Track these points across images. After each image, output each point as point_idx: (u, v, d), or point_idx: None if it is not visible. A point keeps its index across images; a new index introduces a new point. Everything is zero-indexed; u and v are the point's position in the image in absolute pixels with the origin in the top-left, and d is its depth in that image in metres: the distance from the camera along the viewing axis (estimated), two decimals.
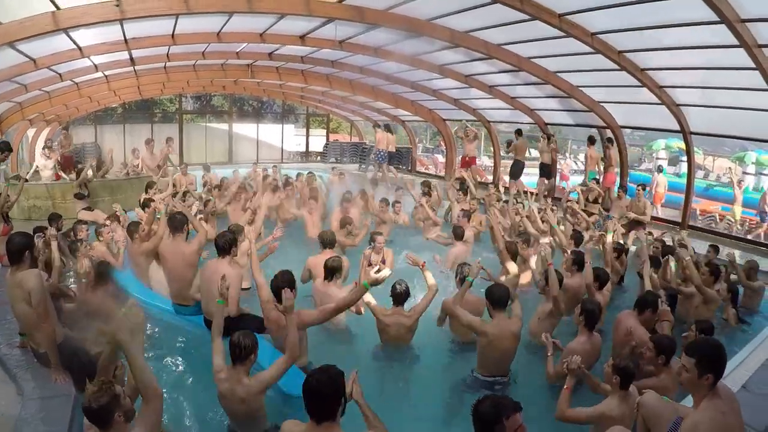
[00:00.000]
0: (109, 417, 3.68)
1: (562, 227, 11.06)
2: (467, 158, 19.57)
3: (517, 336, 6.23)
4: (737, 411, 3.95)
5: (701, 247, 11.06)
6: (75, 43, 11.78)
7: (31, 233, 6.55)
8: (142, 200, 12.10)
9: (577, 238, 10.07)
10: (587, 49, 11.41)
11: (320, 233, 8.70)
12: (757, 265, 9.79)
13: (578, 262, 8.16)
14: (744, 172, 23.61)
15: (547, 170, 18.23)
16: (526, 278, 9.21)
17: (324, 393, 3.79)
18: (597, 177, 16.43)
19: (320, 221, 12.59)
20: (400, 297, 7.07)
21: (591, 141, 17.29)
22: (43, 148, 17.23)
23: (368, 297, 7.04)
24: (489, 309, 6.31)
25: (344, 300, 6.05)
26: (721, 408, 3.79)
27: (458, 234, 10.25)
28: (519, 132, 19.01)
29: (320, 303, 7.31)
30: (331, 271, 7.50)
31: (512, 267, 8.45)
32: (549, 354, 5.96)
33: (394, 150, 23.50)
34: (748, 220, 19.26)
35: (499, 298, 6.21)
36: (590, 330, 6.16)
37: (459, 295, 6.73)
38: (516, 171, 19.03)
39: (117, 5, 9.41)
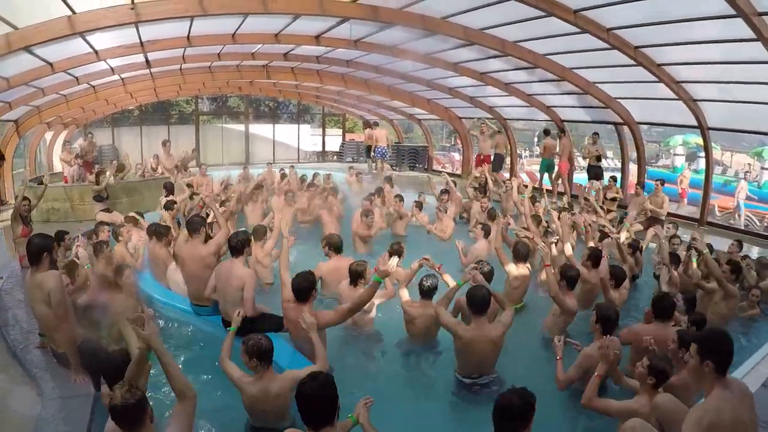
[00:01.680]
0: (141, 416, 3.72)
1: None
2: (482, 156, 19.49)
3: (495, 341, 6.07)
4: (750, 406, 3.91)
5: (720, 244, 10.95)
6: (91, 46, 11.87)
7: (51, 235, 6.58)
8: (164, 202, 12.15)
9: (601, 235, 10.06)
10: (603, 44, 11.36)
11: (328, 237, 8.63)
12: None
13: (594, 258, 8.12)
14: (762, 168, 23.41)
15: (597, 171, 17.02)
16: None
17: (319, 400, 3.80)
18: (614, 175, 16.31)
19: (338, 220, 12.65)
20: (428, 292, 7.13)
21: (546, 133, 18.96)
22: (62, 152, 17.39)
23: (405, 294, 7.25)
24: (468, 313, 6.24)
25: (359, 298, 6.07)
26: (729, 400, 3.76)
27: (486, 231, 10.24)
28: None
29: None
30: (355, 276, 7.51)
31: (512, 269, 8.41)
32: (558, 357, 5.69)
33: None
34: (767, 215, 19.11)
35: (478, 302, 6.06)
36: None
37: (445, 296, 6.75)
38: (497, 163, 20.19)
39: (132, 8, 9.48)
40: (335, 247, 8.45)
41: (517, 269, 8.42)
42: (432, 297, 7.12)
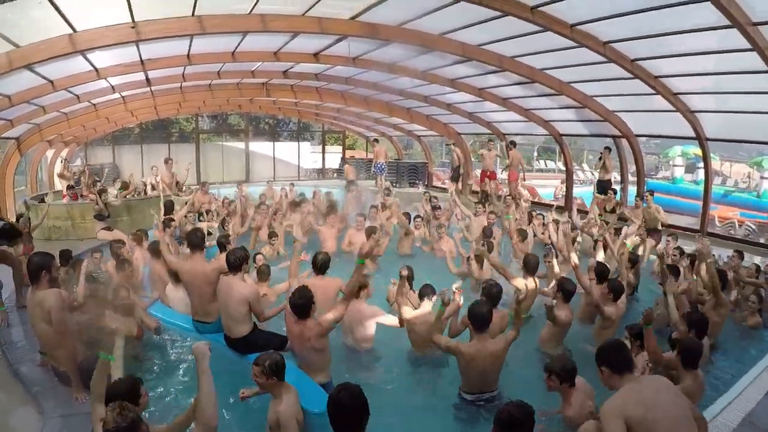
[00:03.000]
0: None
1: (579, 239, 11.15)
2: (488, 173, 19.47)
3: (497, 355, 6.10)
4: (673, 394, 4.28)
5: (720, 254, 10.98)
6: (92, 64, 11.95)
7: (50, 253, 6.61)
8: (162, 219, 12.19)
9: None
10: (600, 58, 11.41)
11: (314, 256, 8.34)
12: None
13: (599, 274, 8.15)
14: (762, 177, 23.44)
15: (605, 186, 16.75)
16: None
17: (352, 409, 3.87)
18: (614, 187, 16.33)
19: (337, 236, 12.76)
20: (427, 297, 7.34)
21: (513, 144, 19.37)
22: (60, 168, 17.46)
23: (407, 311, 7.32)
24: (471, 330, 6.22)
25: (348, 287, 6.34)
26: (637, 390, 4.19)
27: (490, 246, 10.29)
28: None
29: (349, 321, 7.43)
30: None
31: (520, 283, 8.44)
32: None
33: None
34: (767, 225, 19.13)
35: (481, 319, 6.08)
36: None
37: (437, 318, 6.74)
38: (456, 175, 22.08)
39: (133, 27, 9.55)
40: (318, 266, 8.18)
41: (526, 281, 8.45)
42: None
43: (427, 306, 6.94)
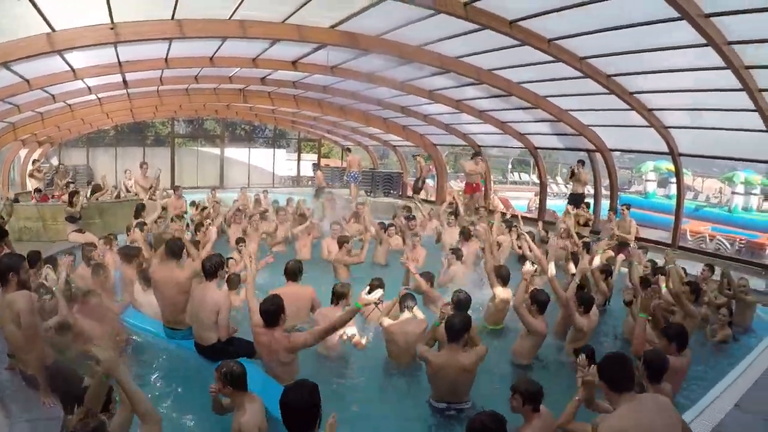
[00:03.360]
0: None
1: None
2: (474, 185, 19.39)
3: (467, 368, 6.08)
4: (668, 416, 4.14)
5: (692, 268, 11.10)
6: (69, 65, 11.89)
7: (19, 254, 6.54)
8: (134, 222, 12.10)
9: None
10: (576, 73, 11.52)
11: (286, 264, 8.47)
12: (748, 283, 9.98)
13: (583, 300, 8.05)
14: (733, 192, 23.82)
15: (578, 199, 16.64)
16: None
17: (302, 408, 3.87)
18: (587, 201, 16.44)
19: (311, 244, 12.80)
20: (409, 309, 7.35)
21: (476, 154, 19.34)
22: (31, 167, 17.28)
23: (387, 322, 7.37)
24: (443, 339, 6.23)
25: (336, 320, 6.16)
26: (635, 410, 4.03)
27: (458, 255, 10.30)
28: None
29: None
30: (339, 296, 7.64)
31: (499, 292, 8.50)
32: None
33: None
34: (738, 239, 19.39)
35: (457, 330, 6.08)
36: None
37: (426, 335, 6.90)
38: (417, 187, 22.73)
39: (112, 28, 9.48)
40: (289, 272, 8.30)
41: (502, 292, 8.52)
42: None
43: (407, 315, 6.96)
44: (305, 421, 3.86)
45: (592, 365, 4.94)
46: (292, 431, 3.88)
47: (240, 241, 11.40)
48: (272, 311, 6.00)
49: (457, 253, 10.43)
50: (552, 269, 8.26)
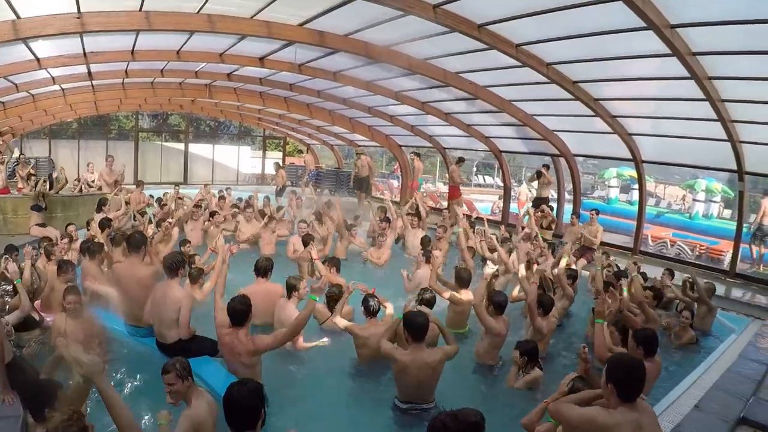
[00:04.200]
0: None
1: (513, 255, 11.36)
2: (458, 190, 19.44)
3: (433, 366, 6.10)
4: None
5: (652, 272, 11.28)
6: (33, 53, 11.69)
7: None
8: (98, 219, 11.93)
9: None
10: (542, 78, 11.60)
11: (257, 261, 8.54)
12: (715, 287, 10.29)
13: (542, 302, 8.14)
14: (694, 199, 24.22)
15: (542, 203, 16.83)
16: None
17: (244, 405, 3.87)
18: (551, 204, 16.59)
19: (276, 241, 12.83)
20: (374, 313, 7.33)
21: (417, 154, 21.22)
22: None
23: (342, 322, 7.34)
24: (407, 338, 6.20)
25: (297, 320, 6.18)
26: (634, 418, 4.03)
27: (427, 257, 10.33)
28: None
29: (278, 320, 7.50)
30: (290, 289, 7.76)
31: (453, 296, 8.56)
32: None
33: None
34: (698, 245, 19.70)
35: (417, 328, 6.09)
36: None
37: (388, 328, 6.90)
38: (359, 185, 22.99)
39: (78, 18, 9.33)
40: (260, 270, 8.35)
41: (459, 295, 8.55)
42: (377, 316, 7.29)
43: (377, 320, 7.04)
44: (245, 420, 3.86)
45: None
46: (232, 428, 3.88)
47: (185, 242, 11.19)
48: (240, 311, 5.95)
49: (426, 255, 10.44)
50: (522, 270, 8.35)
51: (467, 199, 27.65)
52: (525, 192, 24.81)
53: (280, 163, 24.35)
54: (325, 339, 7.57)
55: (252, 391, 3.91)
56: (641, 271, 10.60)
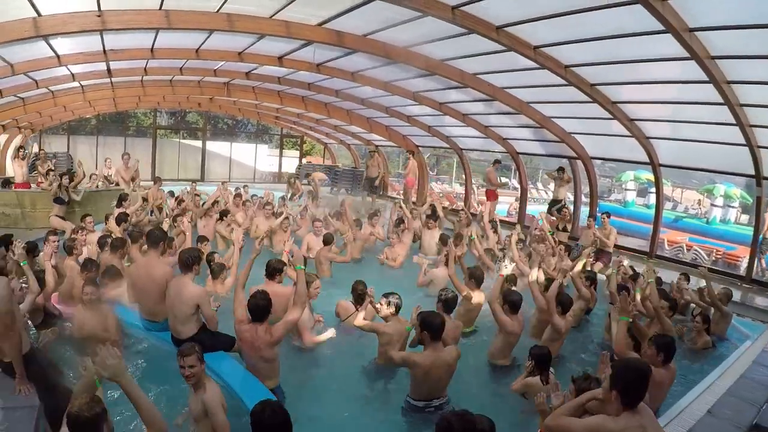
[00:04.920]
0: (95, 430, 3.64)
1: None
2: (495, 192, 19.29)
3: (450, 364, 6.14)
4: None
5: (668, 277, 11.22)
6: (54, 50, 11.82)
7: None
8: (116, 214, 12.05)
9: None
10: (560, 81, 11.55)
11: (268, 262, 8.31)
12: (731, 293, 10.18)
13: (561, 301, 8.13)
14: (712, 204, 24.06)
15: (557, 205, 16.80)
16: None
17: (273, 426, 3.95)
18: (567, 206, 16.50)
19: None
20: (398, 309, 7.27)
21: (411, 153, 22.03)
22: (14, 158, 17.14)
23: (364, 322, 7.36)
24: (426, 339, 6.15)
25: (297, 296, 6.27)
26: (638, 424, 4.01)
27: (446, 260, 10.32)
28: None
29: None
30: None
31: (468, 294, 8.54)
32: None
33: None
34: (715, 251, 19.58)
35: (436, 328, 6.08)
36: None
37: (400, 340, 6.93)
38: (371, 186, 23.10)
39: (99, 16, 9.41)
40: (267, 271, 8.15)
41: (476, 295, 8.56)
42: (399, 312, 7.27)
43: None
44: None
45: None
46: None
47: (202, 239, 11.25)
48: (262, 306, 6.01)
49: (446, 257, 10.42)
50: (534, 274, 8.35)
51: (483, 199, 27.61)
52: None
53: (293, 179, 24.03)
54: (332, 331, 7.50)
55: (280, 412, 4.00)
56: (657, 275, 10.52)
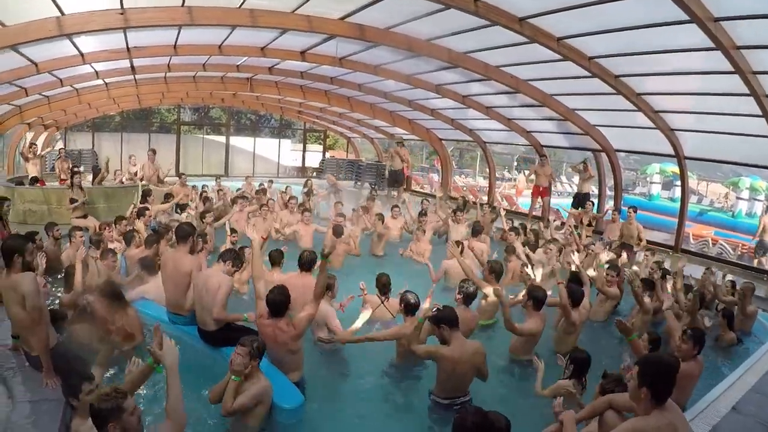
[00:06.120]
0: (102, 423, 3.68)
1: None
2: (541, 188, 18.83)
3: (474, 358, 6.05)
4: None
5: (694, 271, 11.12)
6: (77, 48, 11.93)
7: (25, 236, 6.57)
8: (137, 208, 12.17)
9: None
10: (584, 72, 11.51)
11: (300, 254, 8.26)
12: (754, 287, 9.93)
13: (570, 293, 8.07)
14: (738, 198, 23.80)
15: (583, 199, 16.71)
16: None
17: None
18: (591, 200, 16.37)
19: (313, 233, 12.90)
20: (413, 307, 7.17)
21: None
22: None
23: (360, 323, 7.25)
24: (446, 333, 6.01)
25: (317, 288, 6.23)
26: (670, 421, 3.92)
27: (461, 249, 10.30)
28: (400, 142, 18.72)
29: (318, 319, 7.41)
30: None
31: (490, 292, 8.50)
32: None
33: None
34: (740, 245, 19.38)
35: (454, 319, 6.01)
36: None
37: (414, 334, 6.77)
38: (394, 180, 22.73)
39: (121, 13, 9.49)
40: (300, 262, 8.09)
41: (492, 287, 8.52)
42: (414, 312, 7.17)
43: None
44: None
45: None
46: None
47: (232, 232, 11.30)
48: (279, 302, 5.98)
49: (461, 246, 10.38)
50: (538, 277, 8.33)
51: (507, 193, 27.52)
52: (523, 181, 24.85)
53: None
54: (367, 313, 7.33)
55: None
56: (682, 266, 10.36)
